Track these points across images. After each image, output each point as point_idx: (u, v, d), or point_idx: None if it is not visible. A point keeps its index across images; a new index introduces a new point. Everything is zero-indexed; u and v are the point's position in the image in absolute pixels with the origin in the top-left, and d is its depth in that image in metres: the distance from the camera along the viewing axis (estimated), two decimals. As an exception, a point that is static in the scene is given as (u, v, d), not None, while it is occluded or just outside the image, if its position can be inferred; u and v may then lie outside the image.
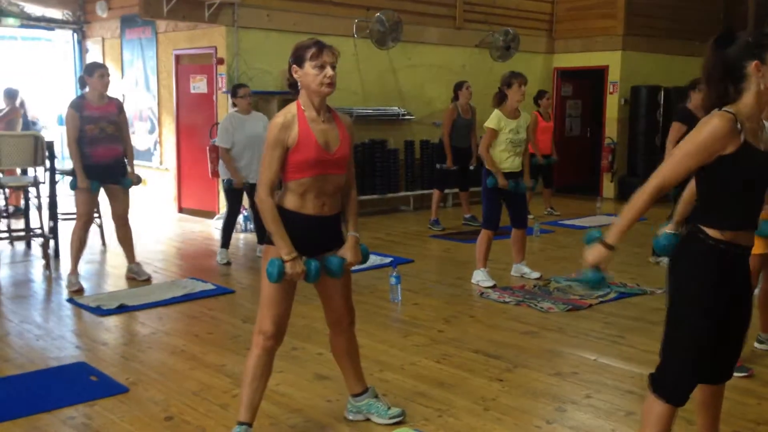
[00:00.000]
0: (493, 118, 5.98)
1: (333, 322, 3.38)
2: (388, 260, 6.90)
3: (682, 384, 2.61)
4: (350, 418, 3.52)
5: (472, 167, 8.77)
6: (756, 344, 4.51)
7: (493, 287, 6.01)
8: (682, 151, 2.47)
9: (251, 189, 6.88)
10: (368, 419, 3.50)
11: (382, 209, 10.02)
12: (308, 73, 3.04)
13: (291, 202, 3.10)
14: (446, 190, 9.48)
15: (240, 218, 8.35)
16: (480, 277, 6.13)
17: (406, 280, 5.93)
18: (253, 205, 7.07)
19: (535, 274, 6.35)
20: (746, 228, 2.55)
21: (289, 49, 3.22)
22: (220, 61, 8.94)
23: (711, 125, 2.42)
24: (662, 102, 11.76)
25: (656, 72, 11.99)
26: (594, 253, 2.61)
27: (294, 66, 3.07)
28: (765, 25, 11.34)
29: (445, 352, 4.55)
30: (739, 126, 2.42)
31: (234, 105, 7.00)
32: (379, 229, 8.73)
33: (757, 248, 3.59)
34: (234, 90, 7.03)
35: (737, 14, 13.12)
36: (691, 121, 4.93)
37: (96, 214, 6.54)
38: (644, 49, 11.94)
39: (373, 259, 6.80)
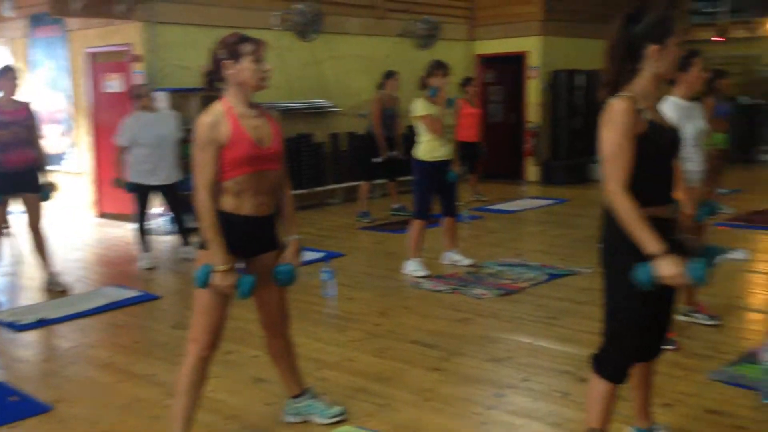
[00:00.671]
0: (421, 107, 5.94)
1: (268, 326, 3.29)
2: (319, 255, 6.81)
3: (624, 363, 2.67)
4: (290, 420, 3.43)
5: (398, 155, 8.74)
6: (679, 317, 4.64)
7: (427, 277, 6.00)
8: (613, 149, 2.46)
9: (166, 190, 6.69)
10: (308, 421, 3.42)
11: (309, 203, 9.88)
12: (246, 68, 2.97)
13: (228, 203, 2.99)
14: (374, 181, 9.43)
15: (163, 220, 8.12)
16: (413, 267, 6.11)
17: (339, 274, 5.85)
18: (172, 206, 6.88)
19: (467, 261, 6.37)
20: (664, 202, 2.60)
21: (208, 43, 3.11)
22: (136, 59, 8.64)
23: (618, 110, 2.45)
24: (582, 85, 12.01)
25: (576, 56, 12.20)
26: (664, 270, 2.42)
27: (228, 61, 2.97)
28: (676, 9, 11.72)
29: (383, 345, 4.51)
30: (639, 106, 2.47)
31: (142, 108, 6.69)
32: (308, 224, 8.61)
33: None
34: (134, 92, 6.76)
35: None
36: None
37: (5, 225, 6.18)
38: (563, 34, 12.14)
39: (304, 255, 6.70)
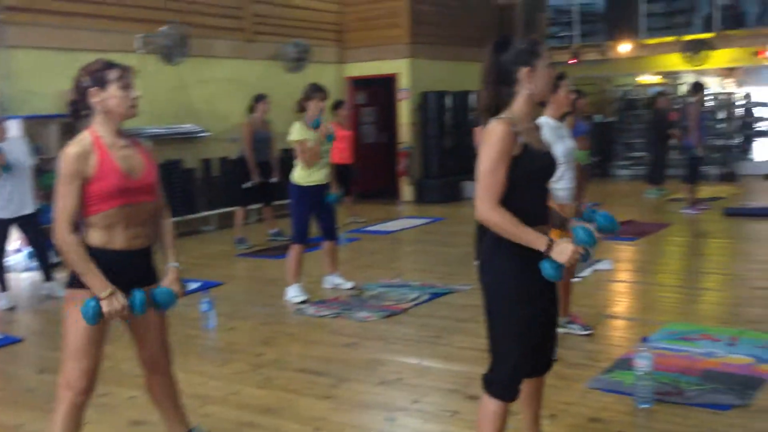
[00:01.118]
0: (297, 131, 5.90)
1: (148, 363, 3.10)
2: (195, 285, 6.57)
3: (512, 380, 2.70)
4: (174, 463, 3.24)
5: (274, 180, 8.65)
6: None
7: (308, 302, 5.91)
8: (488, 170, 2.54)
9: (24, 223, 6.26)
10: (194, 462, 3.25)
11: (182, 231, 9.53)
12: (114, 96, 2.82)
13: (96, 237, 2.81)
14: (249, 207, 9.24)
15: (22, 255, 7.57)
16: (293, 293, 6.01)
17: (218, 304, 5.65)
18: (32, 239, 6.43)
19: (349, 284, 6.34)
20: (540, 222, 2.68)
21: (66, 68, 2.94)
22: (-14, 85, 8.05)
23: (497, 133, 2.53)
24: (452, 106, 12.36)
25: (444, 78, 12.58)
26: (562, 254, 2.48)
27: (93, 89, 2.80)
28: (533, 33, 12.37)
29: (268, 375, 4.38)
30: (516, 128, 2.55)
31: None
32: (183, 253, 8.15)
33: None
34: None
35: (509, 22, 14.19)
36: None
37: None
38: (431, 57, 12.48)
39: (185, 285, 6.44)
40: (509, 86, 2.62)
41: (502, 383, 2.69)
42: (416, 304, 5.77)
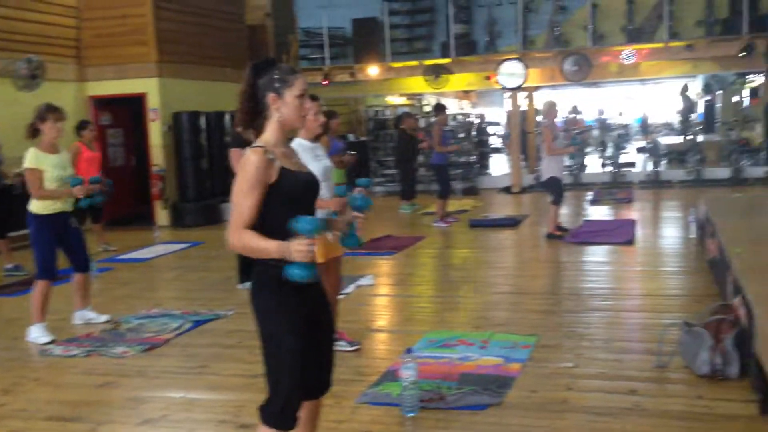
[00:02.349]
0: (30, 158, 5.35)
1: None
2: None
3: (287, 410, 2.65)
4: None
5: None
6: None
7: (55, 342, 5.37)
8: (239, 197, 2.57)
9: None
10: None
11: None
12: None
13: None
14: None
15: None
16: (37, 333, 5.43)
17: (-56, 353, 4.95)
18: None
19: (103, 318, 5.88)
20: None
21: None
22: None
23: (250, 162, 2.55)
24: (205, 127, 12.05)
25: (195, 97, 12.21)
26: (296, 251, 2.43)
27: None
28: (285, 53, 12.41)
29: (12, 428, 3.89)
30: (271, 155, 2.57)
31: None
32: None
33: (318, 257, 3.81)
34: None
35: (261, 43, 14.20)
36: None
37: None
38: (180, 76, 12.06)
39: None
40: (261, 110, 2.64)
41: (277, 413, 2.64)
42: (179, 334, 5.49)
